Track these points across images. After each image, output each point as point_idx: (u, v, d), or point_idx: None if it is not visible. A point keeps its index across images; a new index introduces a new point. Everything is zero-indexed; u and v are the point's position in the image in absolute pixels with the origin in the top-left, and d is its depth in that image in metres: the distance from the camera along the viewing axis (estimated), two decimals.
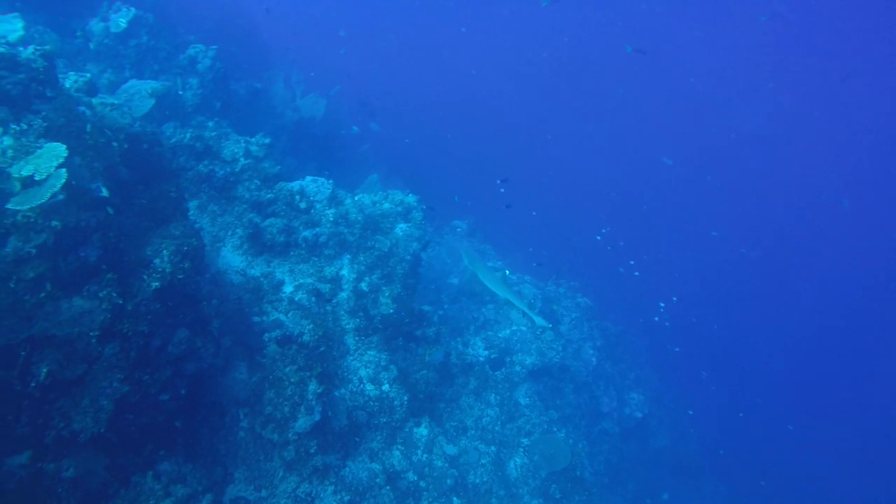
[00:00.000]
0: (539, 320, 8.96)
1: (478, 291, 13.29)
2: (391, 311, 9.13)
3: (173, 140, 9.26)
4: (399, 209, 10.13)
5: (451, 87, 35.04)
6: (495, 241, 17.87)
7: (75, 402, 5.33)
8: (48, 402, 5.14)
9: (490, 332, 12.04)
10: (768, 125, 45.25)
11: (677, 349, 20.62)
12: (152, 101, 9.60)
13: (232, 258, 8.72)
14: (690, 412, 17.89)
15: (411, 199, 10.33)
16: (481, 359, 11.23)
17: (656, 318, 20.23)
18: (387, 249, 9.43)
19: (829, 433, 26.30)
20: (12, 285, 4.72)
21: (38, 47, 5.63)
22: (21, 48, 5.66)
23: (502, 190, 15.07)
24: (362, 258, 9.28)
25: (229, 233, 8.81)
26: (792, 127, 45.19)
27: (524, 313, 9.03)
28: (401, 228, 9.78)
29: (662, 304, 20.60)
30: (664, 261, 28.76)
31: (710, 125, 44.27)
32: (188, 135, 9.23)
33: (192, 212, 8.81)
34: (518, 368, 11.60)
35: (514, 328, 12.30)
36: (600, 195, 31.75)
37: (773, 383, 27.84)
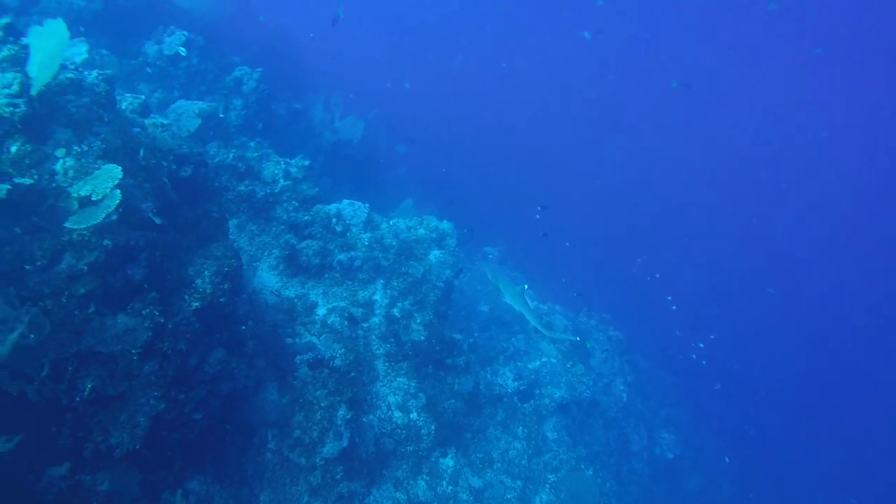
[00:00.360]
0: (549, 333, 9.06)
1: (508, 320, 13.16)
2: (422, 338, 9.08)
3: (217, 159, 9.50)
4: (433, 235, 10.14)
5: (490, 116, 35.14)
6: (526, 269, 17.74)
7: (114, 417, 5.39)
8: (88, 415, 5.21)
9: (520, 363, 11.87)
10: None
11: (717, 387, 19.84)
12: (199, 122, 9.90)
13: (267, 278, 8.82)
14: (727, 459, 17.13)
15: (446, 225, 10.34)
16: (510, 390, 11.05)
17: (694, 356, 19.56)
18: (420, 276, 9.42)
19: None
20: (64, 300, 4.85)
21: (101, 72, 5.85)
22: (86, 72, 5.89)
23: (538, 216, 14.99)
24: (396, 283, 9.29)
25: (266, 253, 8.93)
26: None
27: (536, 329, 9.09)
28: (434, 255, 9.78)
29: (702, 345, 19.86)
30: (704, 295, 27.86)
31: (756, 163, 43.51)
32: (231, 155, 9.45)
33: (231, 230, 8.99)
34: (547, 401, 11.37)
35: (545, 360, 12.11)
36: (638, 225, 31.22)
37: (816, 431, 26.45)
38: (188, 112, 9.82)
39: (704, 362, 19.39)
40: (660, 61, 43.34)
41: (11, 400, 4.50)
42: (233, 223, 9.07)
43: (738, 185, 41.80)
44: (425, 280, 9.53)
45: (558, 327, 13.96)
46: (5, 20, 5.17)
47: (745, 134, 44.04)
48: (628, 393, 13.95)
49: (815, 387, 28.57)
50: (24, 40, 5.30)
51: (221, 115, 11.50)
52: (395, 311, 9.12)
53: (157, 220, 5.53)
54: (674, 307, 20.05)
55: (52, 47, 4.85)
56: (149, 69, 10.97)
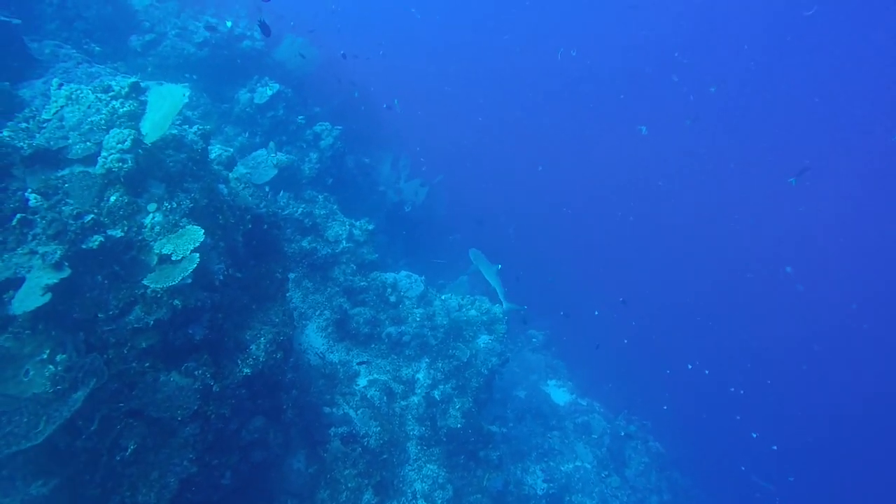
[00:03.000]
0: (507, 305, 9.75)
1: (545, 412, 12.65)
2: (459, 425, 8.74)
3: (286, 212, 9.70)
4: (484, 318, 9.95)
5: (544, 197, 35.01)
6: (569, 359, 17.16)
7: (145, 473, 5.26)
8: (121, 467, 5.11)
9: (552, 463, 11.28)
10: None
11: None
12: (275, 172, 10.21)
13: (314, 338, 8.76)
14: None
15: (498, 310, 10.14)
16: (539, 492, 10.45)
17: (754, 478, 17.78)
18: (465, 360, 9.18)
19: None
20: (125, 351, 4.86)
21: (201, 127, 6.09)
22: (187, 127, 6.13)
23: (596, 312, 14.61)
24: (440, 365, 9.06)
25: (317, 312, 8.91)
26: None
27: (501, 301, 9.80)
28: (483, 340, 9.55)
29: (772, 486, 17.83)
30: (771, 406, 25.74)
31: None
32: (300, 210, 9.64)
33: (290, 281, 9.06)
34: None
35: (578, 464, 11.47)
36: (692, 321, 29.87)
37: None
38: (266, 162, 10.16)
39: (771, 487, 17.27)
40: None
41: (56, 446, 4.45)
42: (291, 276, 9.13)
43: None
44: (470, 364, 9.28)
45: (595, 429, 13.30)
46: (133, 79, 5.47)
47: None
48: None
49: None
50: (144, 97, 5.59)
51: (296, 165, 11.83)
52: (436, 394, 8.85)
53: (226, 281, 5.57)
54: (737, 417, 18.20)
55: (166, 109, 5.07)
56: (236, 111, 11.47)
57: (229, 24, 12.23)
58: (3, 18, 7.80)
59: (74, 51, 8.19)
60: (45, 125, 5.36)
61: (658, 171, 41.14)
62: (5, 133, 5.45)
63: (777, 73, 38.35)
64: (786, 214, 41.06)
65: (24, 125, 5.53)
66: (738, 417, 19.16)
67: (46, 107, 5.47)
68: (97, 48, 9.21)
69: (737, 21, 37.32)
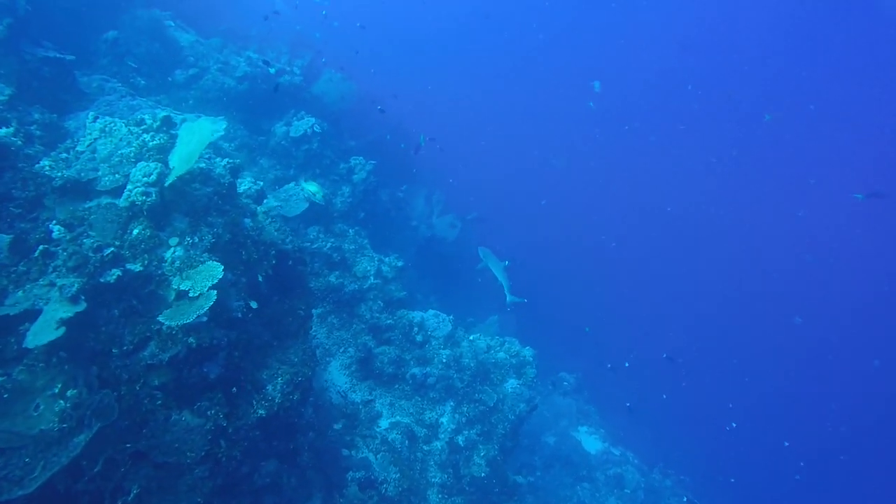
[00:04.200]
0: (511, 298, 9.88)
1: (575, 461, 12.02)
2: (483, 474, 8.31)
3: (314, 245, 9.65)
4: (513, 361, 9.58)
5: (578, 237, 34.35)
6: (602, 405, 16.43)
7: None
8: None
9: None
10: None
11: None
12: (306, 205, 10.20)
13: (337, 376, 8.54)
14: None
15: (528, 353, 9.76)
16: None
17: None
18: (492, 404, 8.80)
19: None
20: (137, 388, 4.73)
21: (230, 161, 6.07)
22: (217, 160, 6.13)
23: (626, 364, 13.98)
24: (466, 409, 8.70)
25: (341, 350, 8.72)
26: None
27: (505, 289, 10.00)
28: (511, 385, 9.16)
29: None
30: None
31: None
32: (329, 244, 9.58)
33: (313, 318, 8.91)
34: None
35: None
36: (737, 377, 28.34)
37: None
38: (298, 195, 10.17)
39: None
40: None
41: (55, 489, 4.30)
42: (316, 311, 9.01)
43: None
44: (497, 410, 8.88)
45: (629, 482, 12.54)
46: (164, 113, 5.52)
47: None
48: None
49: None
50: (175, 131, 5.61)
51: (321, 202, 11.81)
52: (460, 440, 8.47)
53: (245, 319, 5.43)
54: (797, 476, 16.70)
55: (195, 144, 5.05)
56: (271, 143, 11.61)
57: (273, 70, 12.53)
58: (58, 55, 8.14)
59: (120, 84, 8.44)
60: (79, 157, 5.42)
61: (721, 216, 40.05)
62: (46, 162, 5.54)
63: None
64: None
65: (63, 155, 5.62)
66: (797, 476, 17.87)
67: (81, 139, 5.54)
68: (142, 82, 9.50)
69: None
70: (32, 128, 6.71)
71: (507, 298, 9.85)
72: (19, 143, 6.02)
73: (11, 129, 6.09)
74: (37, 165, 5.50)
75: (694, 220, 40.16)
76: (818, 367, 33.38)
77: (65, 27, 9.32)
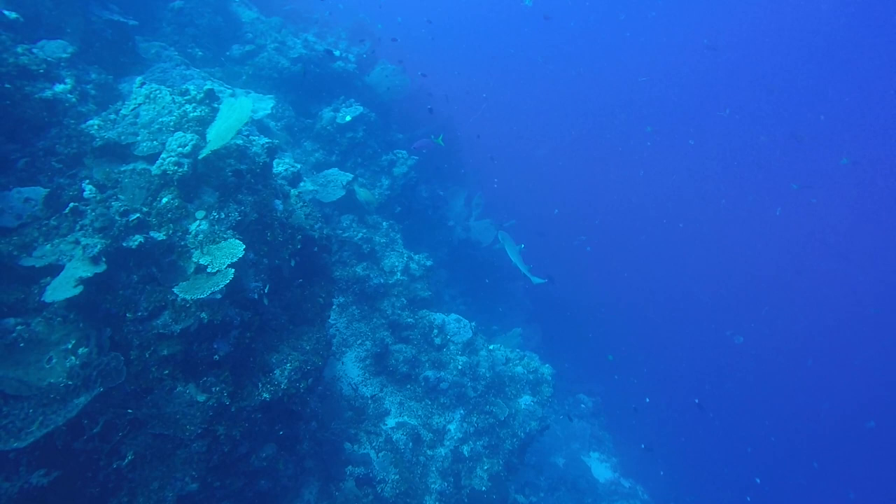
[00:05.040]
0: (535, 279, 10.60)
1: (582, 486, 11.67)
2: (483, 488, 8.12)
3: (346, 234, 9.62)
4: (531, 377, 9.34)
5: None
6: (618, 433, 15.94)
7: (145, 481, 5.08)
8: (125, 470, 4.96)
9: None
10: None
11: None
12: (343, 193, 10.18)
13: (351, 368, 8.49)
14: None
15: (546, 370, 9.50)
16: None
17: None
18: (503, 418, 8.59)
19: None
20: (147, 355, 4.75)
21: (269, 141, 6.05)
22: (255, 138, 6.13)
23: (647, 400, 13.51)
24: (475, 419, 8.53)
25: (358, 342, 8.66)
26: None
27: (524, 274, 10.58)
28: (525, 401, 8.93)
29: None
30: None
31: None
32: (360, 234, 9.53)
33: (334, 307, 8.89)
34: None
35: None
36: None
37: None
38: (336, 181, 10.16)
39: None
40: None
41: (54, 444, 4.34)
42: (338, 300, 8.99)
43: None
44: (506, 424, 8.67)
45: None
46: (209, 86, 5.53)
47: None
48: None
49: None
50: (217, 105, 5.63)
51: (370, 204, 11.74)
52: (465, 450, 8.30)
53: (262, 302, 5.41)
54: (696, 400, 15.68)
55: (233, 121, 5.04)
56: (317, 127, 11.66)
57: (337, 52, 12.60)
58: (121, 19, 8.33)
59: (176, 53, 8.59)
60: (122, 120, 5.49)
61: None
62: (96, 121, 5.64)
63: None
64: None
65: (112, 116, 5.71)
66: None
67: (126, 102, 5.62)
68: (199, 52, 9.65)
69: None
70: (88, 87, 6.84)
71: (532, 280, 10.50)
72: (73, 100, 6.16)
73: (68, 87, 6.24)
74: (86, 123, 5.62)
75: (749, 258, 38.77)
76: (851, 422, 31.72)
77: None
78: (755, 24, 37.61)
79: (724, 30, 38.63)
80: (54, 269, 4.52)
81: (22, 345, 4.39)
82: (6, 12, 5.80)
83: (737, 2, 37.26)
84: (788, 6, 34.58)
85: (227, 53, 10.46)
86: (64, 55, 6.88)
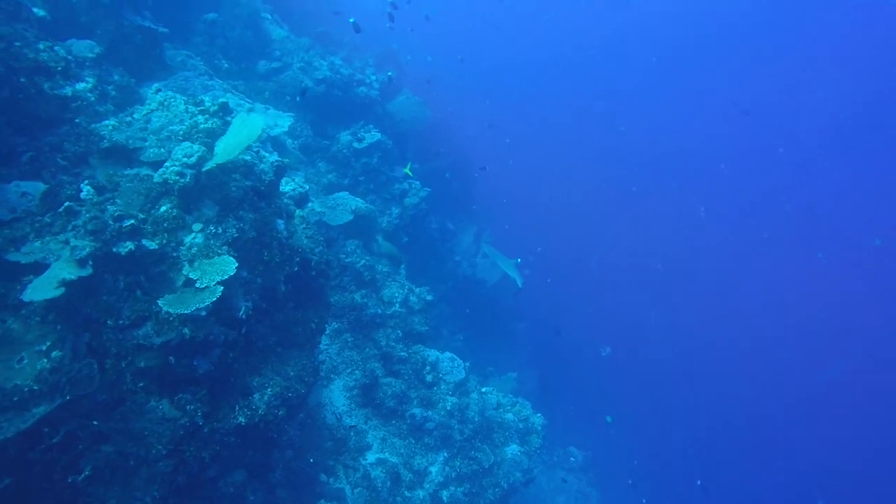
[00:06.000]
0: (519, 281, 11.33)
1: None
2: None
3: (349, 259, 9.50)
4: (520, 426, 9.04)
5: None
6: (607, 491, 15.37)
7: (103, 497, 4.85)
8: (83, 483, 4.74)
9: None
10: None
11: None
12: (350, 217, 10.09)
13: (337, 397, 8.25)
14: None
15: (537, 420, 9.20)
16: None
17: None
18: (487, 466, 8.27)
19: None
20: (123, 365, 4.59)
21: (278, 160, 6.00)
22: (266, 154, 6.08)
23: (635, 462, 13.08)
24: (458, 464, 8.21)
25: (348, 370, 8.44)
26: None
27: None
28: (512, 450, 8.62)
29: None
30: None
31: None
32: (363, 261, 9.40)
33: (327, 332, 8.69)
34: None
35: None
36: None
37: None
38: (345, 205, 10.09)
39: None
40: None
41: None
42: (332, 325, 8.80)
43: None
44: (490, 473, 8.34)
45: None
46: (224, 99, 5.51)
47: None
48: None
49: None
50: (230, 118, 5.59)
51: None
52: (444, 495, 7.97)
53: (249, 318, 5.26)
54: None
55: (242, 137, 4.98)
56: (333, 149, 11.66)
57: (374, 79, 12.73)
58: (151, 26, 8.45)
59: (202, 63, 8.66)
60: (133, 124, 5.46)
61: None
62: (112, 121, 5.62)
63: None
64: None
65: (128, 119, 5.69)
66: None
67: (140, 108, 5.60)
68: (226, 65, 9.76)
69: None
70: (109, 87, 6.85)
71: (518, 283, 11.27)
72: (92, 98, 6.15)
73: (89, 85, 6.24)
74: (101, 123, 5.59)
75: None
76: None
77: (174, 3, 9.73)
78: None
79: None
80: (40, 268, 4.40)
81: None
82: (34, 9, 5.85)
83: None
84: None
85: (253, 68, 10.57)
86: (90, 55, 6.92)
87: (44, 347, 4.34)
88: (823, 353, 36.73)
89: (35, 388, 4.01)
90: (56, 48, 5.68)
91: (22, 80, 5.07)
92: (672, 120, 42.23)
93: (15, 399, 4.03)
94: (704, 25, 41.46)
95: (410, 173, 10.79)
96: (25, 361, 4.28)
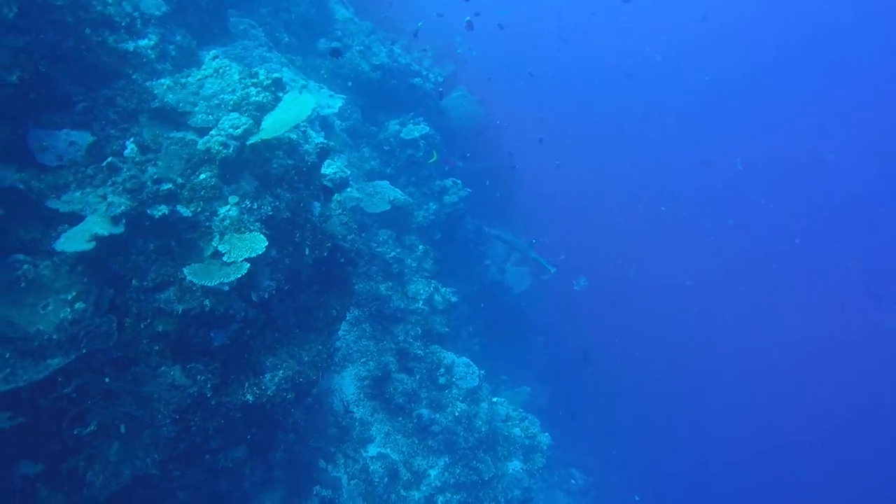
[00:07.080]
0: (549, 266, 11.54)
1: None
2: None
3: (379, 249, 9.44)
4: (526, 442, 8.86)
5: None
6: None
7: (104, 451, 4.88)
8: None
9: None
10: None
11: None
12: (387, 207, 10.03)
13: (348, 384, 8.21)
14: None
15: (544, 440, 9.00)
16: None
17: None
18: (486, 478, 8.13)
19: None
20: (142, 326, 4.60)
21: (323, 142, 5.93)
22: (312, 134, 6.02)
23: (636, 498, 12.73)
24: (458, 471, 8.08)
25: (362, 360, 8.39)
26: None
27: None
28: (514, 466, 8.45)
29: None
30: None
31: None
32: (393, 253, 9.33)
33: (347, 319, 8.64)
34: None
35: None
36: None
37: None
38: (384, 194, 10.02)
39: None
40: None
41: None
42: (353, 313, 8.76)
43: None
44: (489, 486, 8.19)
45: None
46: (277, 75, 5.47)
47: None
48: None
49: None
50: (282, 94, 5.54)
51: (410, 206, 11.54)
52: (439, 500, 7.86)
53: (271, 298, 5.22)
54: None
55: (291, 114, 4.93)
56: (380, 136, 11.62)
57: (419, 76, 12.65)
58: None
59: (263, 34, 8.68)
60: (185, 87, 5.46)
61: None
62: (167, 81, 5.65)
63: None
64: None
65: (183, 80, 5.71)
66: None
67: (196, 72, 5.60)
68: (286, 38, 9.78)
69: None
70: (170, 47, 6.90)
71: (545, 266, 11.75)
72: (153, 56, 6.21)
73: (151, 42, 6.29)
74: (157, 81, 5.62)
75: None
76: None
77: None
78: None
79: None
80: (75, 219, 4.43)
81: (23, 284, 4.28)
82: None
83: None
84: None
85: (313, 45, 10.58)
86: (157, 13, 6.97)
87: (69, 297, 4.37)
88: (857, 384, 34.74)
89: (55, 337, 4.04)
90: (124, 3, 5.72)
91: (87, 30, 5.10)
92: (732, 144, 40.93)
93: (35, 344, 4.07)
94: (764, 51, 40.39)
95: (437, 157, 10.81)
96: (50, 308, 4.32)
